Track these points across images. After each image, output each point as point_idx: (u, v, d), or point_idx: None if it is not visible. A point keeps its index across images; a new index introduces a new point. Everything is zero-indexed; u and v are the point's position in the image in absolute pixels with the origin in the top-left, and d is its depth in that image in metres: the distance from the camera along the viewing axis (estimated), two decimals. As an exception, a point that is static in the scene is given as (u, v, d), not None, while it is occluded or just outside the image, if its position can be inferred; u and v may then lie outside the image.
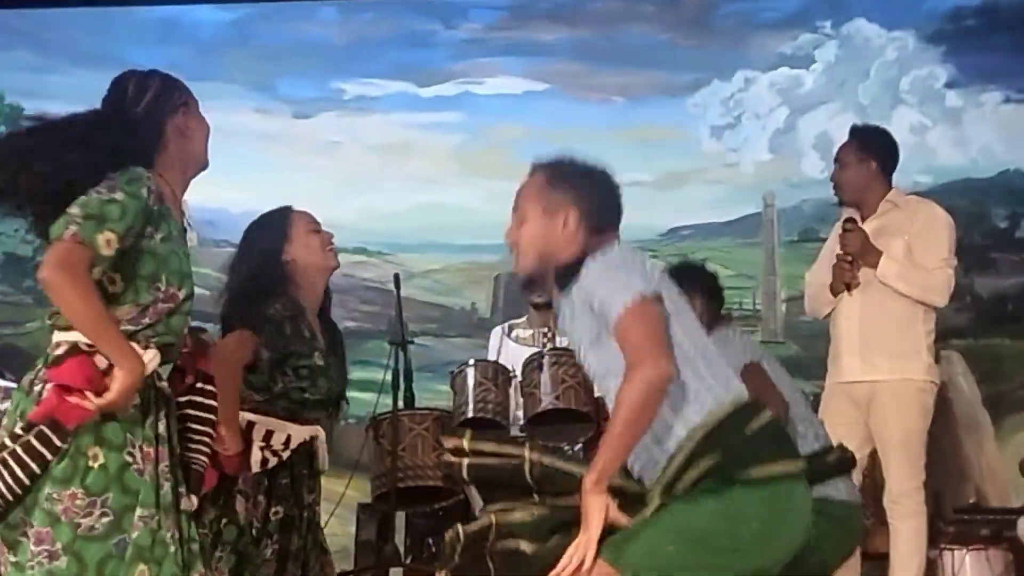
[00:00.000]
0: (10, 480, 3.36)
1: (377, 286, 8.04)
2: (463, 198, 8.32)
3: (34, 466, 3.37)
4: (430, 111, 8.54)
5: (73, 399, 3.38)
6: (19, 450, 3.38)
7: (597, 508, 3.46)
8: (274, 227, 4.96)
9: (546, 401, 6.09)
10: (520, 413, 6.52)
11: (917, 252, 5.72)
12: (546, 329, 6.66)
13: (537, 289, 4.03)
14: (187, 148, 3.78)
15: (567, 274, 3.70)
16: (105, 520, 3.41)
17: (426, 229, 8.29)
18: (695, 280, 4.99)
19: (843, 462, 4.92)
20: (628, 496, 3.56)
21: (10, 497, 3.38)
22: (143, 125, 3.67)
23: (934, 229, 5.79)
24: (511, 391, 6.56)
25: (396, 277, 6.88)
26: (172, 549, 3.49)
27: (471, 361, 6.69)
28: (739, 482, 3.46)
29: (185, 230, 3.77)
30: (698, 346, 3.63)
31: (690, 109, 8.36)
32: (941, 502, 7.25)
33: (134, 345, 3.49)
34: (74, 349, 3.47)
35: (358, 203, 8.34)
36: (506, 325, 6.80)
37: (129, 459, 3.47)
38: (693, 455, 3.45)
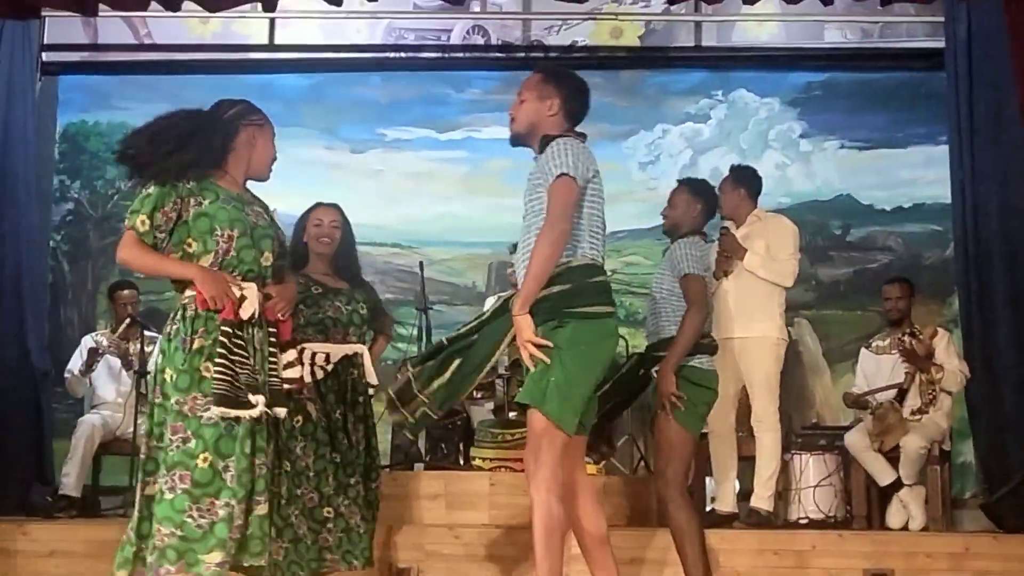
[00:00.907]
0: None
1: (407, 270, 8.04)
2: (467, 210, 8.33)
3: None
4: (445, 150, 8.50)
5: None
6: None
7: (526, 324, 3.56)
8: (300, 221, 4.93)
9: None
10: (505, 358, 6.57)
11: (772, 250, 5.83)
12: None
13: (520, 145, 3.99)
14: (252, 154, 3.78)
15: (543, 144, 3.80)
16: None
17: (441, 231, 8.29)
18: (704, 193, 4.99)
19: (712, 347, 4.91)
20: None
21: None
22: (225, 125, 3.72)
23: (783, 234, 5.92)
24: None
25: (420, 264, 6.96)
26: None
27: (499, 300, 6.74)
28: (582, 315, 3.60)
29: (240, 196, 3.70)
30: (596, 221, 3.77)
31: (624, 150, 8.37)
32: (792, 422, 7.29)
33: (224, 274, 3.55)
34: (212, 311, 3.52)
35: (395, 213, 8.32)
36: (496, 296, 6.82)
37: None
38: (559, 277, 3.62)
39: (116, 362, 6.83)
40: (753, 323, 5.72)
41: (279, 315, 3.71)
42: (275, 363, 3.67)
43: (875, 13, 7.60)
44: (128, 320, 6.81)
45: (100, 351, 6.78)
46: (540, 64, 4.02)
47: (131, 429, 6.36)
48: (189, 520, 3.38)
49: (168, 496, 3.39)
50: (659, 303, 4.77)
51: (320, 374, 4.69)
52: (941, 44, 7.24)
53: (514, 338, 3.67)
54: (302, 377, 4.53)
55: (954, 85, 6.95)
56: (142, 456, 3.56)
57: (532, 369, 3.59)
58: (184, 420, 3.43)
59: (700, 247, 4.82)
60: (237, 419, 3.44)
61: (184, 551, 3.36)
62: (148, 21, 8.19)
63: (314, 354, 4.67)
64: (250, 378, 3.48)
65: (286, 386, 3.71)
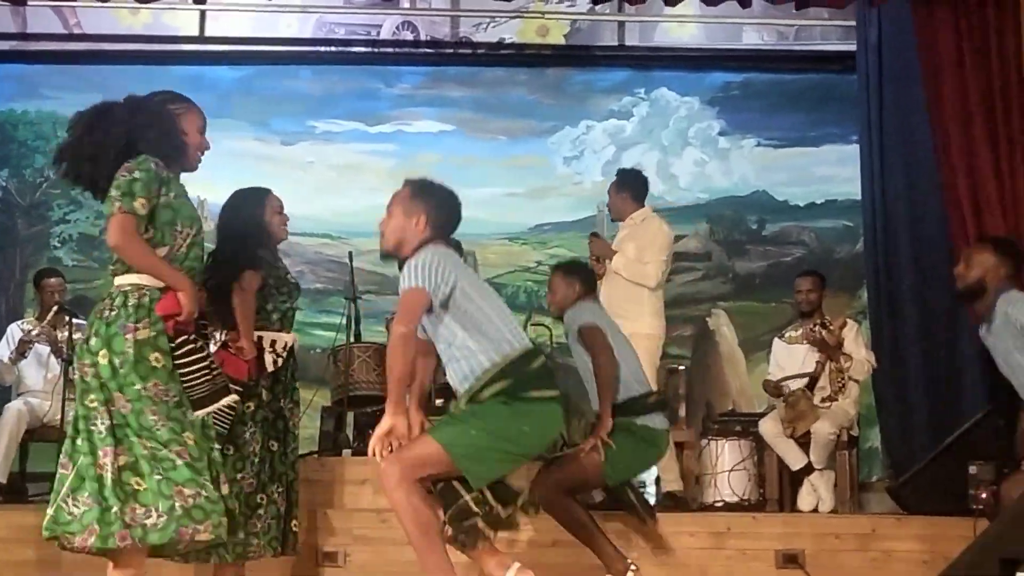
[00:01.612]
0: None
1: (337, 260, 7.98)
2: (396, 202, 8.33)
3: None
4: (375, 143, 8.46)
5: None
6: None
7: (387, 425, 3.59)
8: (258, 199, 4.81)
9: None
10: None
11: (641, 252, 5.89)
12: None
13: (391, 261, 3.94)
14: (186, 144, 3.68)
15: (402, 264, 3.77)
16: (174, 401, 3.42)
17: (371, 222, 7.96)
18: (579, 272, 5.16)
19: (660, 402, 5.08)
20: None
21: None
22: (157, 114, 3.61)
23: (653, 237, 5.97)
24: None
25: (350, 254, 6.89)
26: None
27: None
28: (520, 399, 3.60)
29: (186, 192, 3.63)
30: (498, 313, 3.75)
31: (550, 146, 8.39)
32: (710, 409, 7.38)
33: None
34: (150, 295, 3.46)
35: (325, 204, 8.27)
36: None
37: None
38: (493, 379, 3.59)
39: (44, 349, 6.71)
40: (624, 322, 5.76)
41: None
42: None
43: (791, 16, 7.70)
44: (56, 308, 6.69)
45: (30, 339, 6.65)
46: (408, 180, 3.95)
47: (59, 416, 6.23)
48: (207, 483, 3.39)
49: (180, 462, 3.36)
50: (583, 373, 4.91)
51: (280, 362, 4.67)
52: (853, 47, 7.34)
53: None
54: (263, 366, 4.57)
55: (865, 86, 7.05)
56: (103, 427, 3.41)
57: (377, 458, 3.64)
58: (157, 404, 3.39)
59: (589, 308, 5.03)
60: None
61: (210, 511, 3.37)
62: (78, 11, 8.05)
63: (273, 341, 4.67)
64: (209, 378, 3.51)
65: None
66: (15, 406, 6.54)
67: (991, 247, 4.92)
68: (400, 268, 3.82)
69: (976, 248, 4.95)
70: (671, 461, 5.87)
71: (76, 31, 8.20)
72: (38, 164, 8.21)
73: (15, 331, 6.79)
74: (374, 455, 3.64)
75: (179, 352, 3.45)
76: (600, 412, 4.75)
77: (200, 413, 3.43)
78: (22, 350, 6.62)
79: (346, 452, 6.23)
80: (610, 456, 4.72)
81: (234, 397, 3.54)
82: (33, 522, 5.35)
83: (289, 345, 4.74)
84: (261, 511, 4.56)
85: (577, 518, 4.71)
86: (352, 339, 6.55)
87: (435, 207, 3.80)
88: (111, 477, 3.38)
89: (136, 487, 3.38)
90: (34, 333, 6.69)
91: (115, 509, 3.36)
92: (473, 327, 3.65)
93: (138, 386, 3.38)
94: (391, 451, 3.62)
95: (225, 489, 3.51)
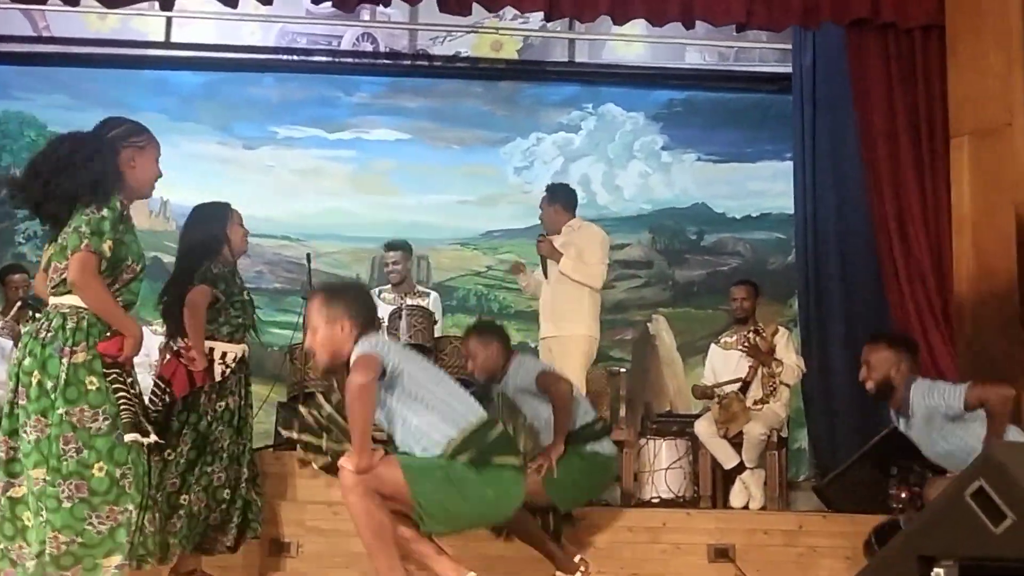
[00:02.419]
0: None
1: (295, 261, 7.92)
2: (354, 206, 8.25)
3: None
4: (334, 149, 8.40)
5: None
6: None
7: (364, 460, 3.48)
8: (219, 215, 4.79)
9: (404, 338, 6.10)
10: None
11: (584, 255, 5.90)
12: (403, 294, 6.67)
13: (332, 376, 3.91)
14: (132, 175, 3.57)
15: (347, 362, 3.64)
16: (105, 423, 3.34)
17: (328, 225, 8.18)
18: (494, 332, 5.04)
19: (605, 428, 5.08)
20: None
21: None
22: (104, 149, 3.51)
23: (594, 241, 6.02)
24: (381, 331, 6.57)
25: (308, 256, 6.81)
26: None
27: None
28: (486, 464, 3.54)
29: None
30: (450, 392, 3.68)
31: (501, 155, 8.40)
32: (649, 409, 7.39)
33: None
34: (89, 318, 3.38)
35: (284, 207, 8.20)
36: (377, 289, 6.78)
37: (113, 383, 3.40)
38: (455, 452, 3.54)
39: (7, 343, 6.58)
40: (564, 323, 5.82)
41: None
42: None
43: (731, 38, 7.75)
44: (19, 303, 6.59)
45: (-3, 334, 6.54)
46: (313, 290, 3.86)
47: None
48: (89, 528, 3.26)
49: (66, 505, 3.25)
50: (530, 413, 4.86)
51: (227, 372, 4.65)
52: (789, 69, 7.42)
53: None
54: (212, 375, 4.53)
55: (799, 106, 7.12)
56: (1, 457, 3.36)
57: None
58: (74, 431, 3.29)
59: (527, 363, 5.02)
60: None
61: (83, 556, 3.25)
62: (47, 14, 7.91)
63: (224, 353, 4.66)
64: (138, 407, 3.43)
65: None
66: (-23, 398, 6.42)
67: (885, 344, 4.75)
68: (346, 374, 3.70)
69: (871, 350, 4.73)
70: None
71: (45, 34, 8.08)
72: (5, 162, 8.05)
73: (-21, 325, 6.66)
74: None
75: (112, 383, 3.38)
76: (555, 437, 4.74)
77: (128, 438, 3.33)
78: (-13, 344, 6.51)
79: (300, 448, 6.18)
80: (561, 482, 4.68)
81: (151, 439, 3.43)
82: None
83: (238, 356, 4.72)
84: (224, 505, 4.59)
85: (524, 525, 4.65)
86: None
87: (351, 305, 3.68)
88: (3, 513, 3.33)
89: (26, 523, 3.32)
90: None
91: (2, 545, 3.32)
92: (424, 410, 3.57)
93: (62, 410, 3.29)
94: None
95: (152, 509, 3.44)
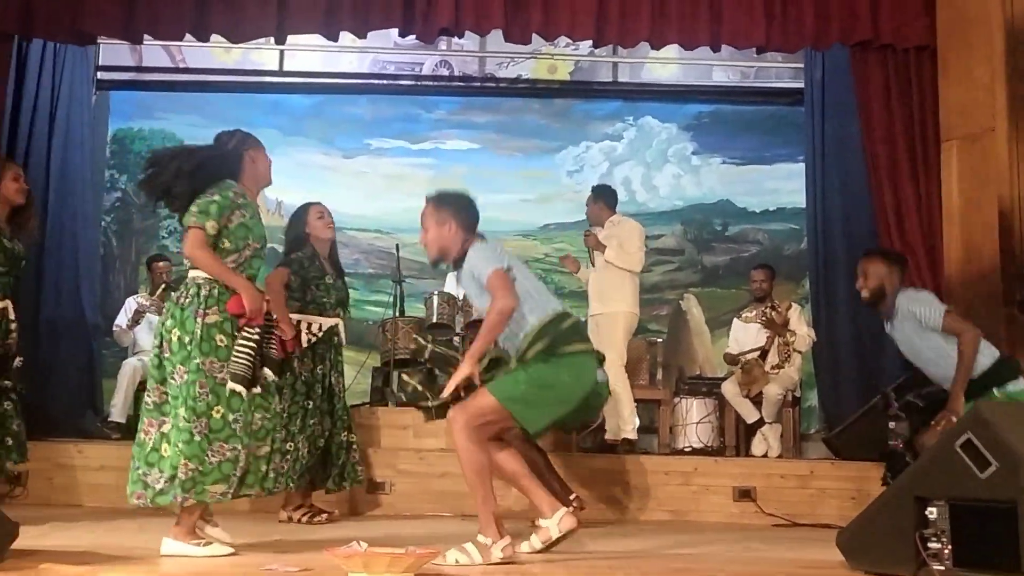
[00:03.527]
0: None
1: (385, 251, 7.98)
2: (433, 204, 8.31)
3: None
4: (416, 157, 8.43)
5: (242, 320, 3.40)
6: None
7: (467, 367, 3.41)
8: (300, 215, 4.88)
9: (475, 314, 6.13)
10: (461, 319, 6.58)
11: (624, 245, 5.82)
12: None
13: (443, 265, 3.71)
14: (256, 171, 3.65)
15: (459, 260, 3.62)
16: (228, 375, 3.38)
17: (412, 220, 7.98)
18: (453, 211, 4.83)
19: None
20: (497, 360, 3.57)
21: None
22: (230, 155, 3.60)
23: (632, 234, 5.88)
24: (457, 308, 6.61)
25: (396, 246, 6.91)
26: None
27: (435, 291, 6.74)
28: (557, 354, 3.46)
29: (258, 211, 3.62)
30: (536, 287, 3.60)
31: (556, 161, 8.38)
32: (681, 373, 7.34)
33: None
34: (219, 287, 3.42)
35: (376, 206, 8.25)
36: (455, 272, 6.78)
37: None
38: (535, 338, 3.47)
39: (154, 318, 6.73)
40: (609, 302, 5.74)
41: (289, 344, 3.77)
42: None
43: (751, 59, 7.66)
44: (163, 285, 6.72)
45: (143, 311, 6.68)
46: (428, 196, 3.82)
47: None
48: (206, 458, 3.33)
49: (196, 439, 3.32)
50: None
51: (314, 340, 4.71)
52: (801, 84, 7.29)
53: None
54: (300, 343, 4.56)
55: (810, 116, 7.00)
56: (154, 400, 3.44)
57: (446, 392, 3.48)
58: (205, 378, 3.36)
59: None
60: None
61: (197, 481, 3.32)
62: (183, 48, 8.03)
63: (309, 324, 4.72)
64: (256, 359, 3.44)
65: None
66: (131, 362, 6.58)
67: (880, 258, 4.67)
68: (452, 269, 3.65)
69: (867, 262, 4.65)
70: (631, 414, 5.83)
71: (181, 64, 8.20)
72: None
73: (131, 304, 6.82)
74: (449, 393, 3.47)
75: (239, 339, 3.41)
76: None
77: (229, 386, 3.36)
78: (136, 319, 6.66)
79: (391, 403, 6.25)
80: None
81: (257, 389, 3.44)
82: (144, 455, 5.40)
83: (324, 328, 4.74)
84: (290, 456, 4.58)
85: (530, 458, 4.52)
86: (397, 314, 6.58)
87: (458, 210, 3.64)
88: (150, 444, 3.40)
89: (163, 455, 3.38)
90: (146, 305, 6.72)
91: (141, 471, 3.39)
92: (522, 298, 3.49)
93: (197, 360, 3.35)
94: (459, 395, 3.47)
95: (261, 451, 3.44)
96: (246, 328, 3.41)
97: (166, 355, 3.41)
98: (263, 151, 3.70)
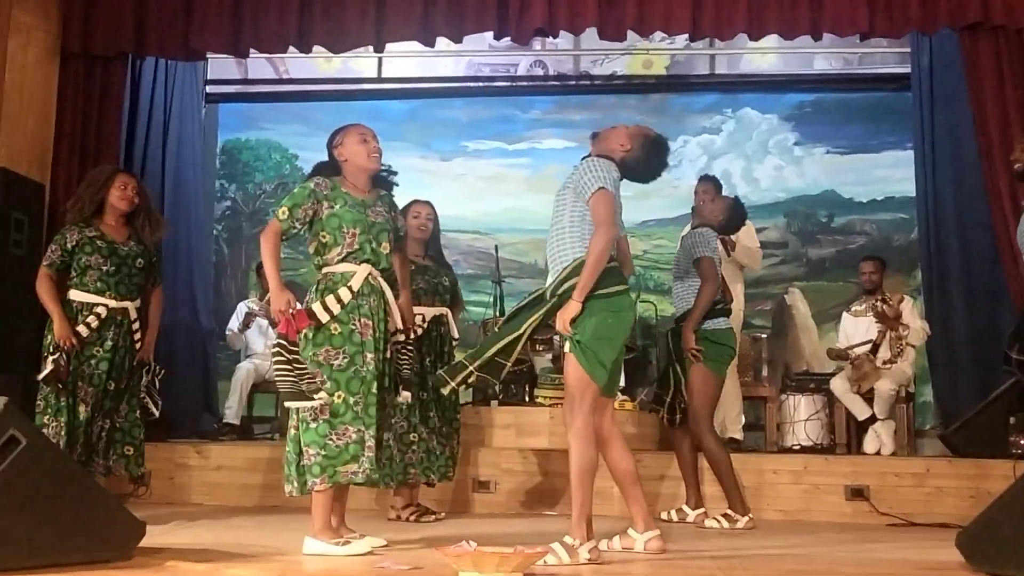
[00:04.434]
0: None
1: (484, 251, 8.03)
2: (530, 204, 8.25)
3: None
4: (513, 157, 8.46)
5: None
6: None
7: (574, 307, 3.40)
8: (401, 213, 4.92)
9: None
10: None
11: (743, 242, 5.71)
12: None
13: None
14: (349, 160, 3.72)
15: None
16: (344, 360, 3.49)
17: (510, 220, 8.25)
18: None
19: (726, 310, 4.81)
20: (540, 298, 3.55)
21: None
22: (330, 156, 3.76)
23: (749, 231, 5.81)
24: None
25: (495, 247, 6.96)
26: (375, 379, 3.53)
27: (535, 291, 6.75)
28: (593, 297, 3.42)
29: (363, 201, 3.68)
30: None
31: (654, 156, 8.29)
32: (788, 369, 7.21)
33: (350, 265, 3.57)
34: (331, 280, 3.59)
35: (474, 207, 8.32)
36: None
37: (353, 327, 3.52)
38: (571, 273, 3.48)
39: (264, 322, 6.94)
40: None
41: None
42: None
43: (855, 45, 7.41)
44: (272, 290, 6.91)
45: (254, 314, 6.89)
46: (647, 127, 3.80)
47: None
48: (329, 442, 3.43)
49: (313, 425, 3.44)
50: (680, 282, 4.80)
51: (418, 331, 4.70)
52: (908, 70, 7.05)
53: (542, 322, 3.49)
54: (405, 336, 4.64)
55: (918, 102, 6.77)
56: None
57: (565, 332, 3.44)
58: (321, 367, 3.48)
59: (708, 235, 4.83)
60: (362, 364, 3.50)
61: (326, 466, 3.42)
62: (286, 60, 8.25)
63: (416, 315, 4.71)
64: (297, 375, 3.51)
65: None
66: (245, 366, 6.79)
67: None
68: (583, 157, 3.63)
69: None
70: (739, 414, 5.76)
71: (284, 76, 8.43)
72: (257, 180, 8.48)
73: (242, 308, 7.04)
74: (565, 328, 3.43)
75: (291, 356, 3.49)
76: (684, 331, 4.65)
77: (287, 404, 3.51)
78: (247, 323, 6.87)
79: (494, 402, 6.29)
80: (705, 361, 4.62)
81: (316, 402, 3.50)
82: (257, 454, 5.59)
83: (428, 318, 4.77)
84: (415, 447, 4.67)
85: (722, 455, 4.67)
86: (497, 313, 6.61)
87: (644, 156, 3.63)
88: (292, 431, 3.53)
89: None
90: (257, 310, 6.93)
91: (291, 464, 3.53)
92: (586, 228, 3.49)
93: (310, 352, 3.47)
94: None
95: (376, 436, 3.52)
96: (280, 343, 3.48)
97: (296, 349, 3.53)
98: (350, 140, 3.73)
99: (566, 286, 3.45)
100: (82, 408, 4.36)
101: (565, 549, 3.31)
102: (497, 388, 6.37)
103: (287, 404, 3.52)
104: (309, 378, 3.45)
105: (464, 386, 3.59)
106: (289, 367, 3.46)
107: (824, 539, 4.26)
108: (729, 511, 4.63)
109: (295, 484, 3.51)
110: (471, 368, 3.48)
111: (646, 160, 3.64)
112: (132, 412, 4.55)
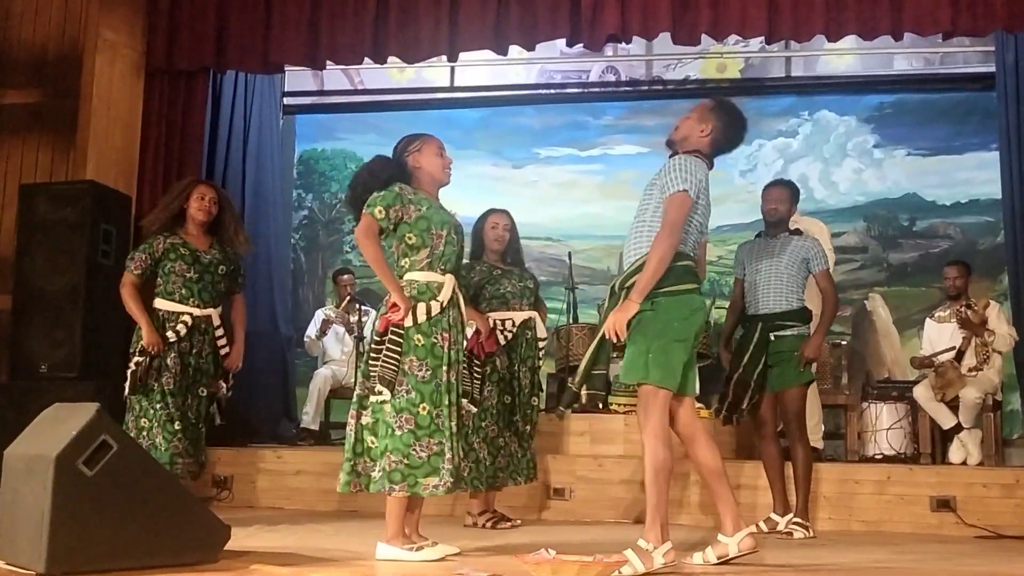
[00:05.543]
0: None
1: (557, 258, 8.04)
2: (603, 210, 8.25)
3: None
4: (585, 164, 8.44)
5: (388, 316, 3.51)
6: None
7: (632, 308, 3.34)
8: (480, 221, 5.00)
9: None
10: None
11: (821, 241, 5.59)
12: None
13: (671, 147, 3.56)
14: (423, 170, 3.72)
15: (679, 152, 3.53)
16: (427, 372, 3.51)
17: (582, 227, 8.25)
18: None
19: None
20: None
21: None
22: (396, 163, 3.71)
23: (823, 234, 5.66)
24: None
25: (569, 254, 6.92)
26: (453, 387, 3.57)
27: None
28: (658, 295, 3.35)
29: (443, 207, 3.72)
30: (691, 222, 3.45)
31: (728, 160, 7.91)
32: (869, 377, 7.05)
33: (435, 275, 3.57)
34: (417, 289, 3.57)
35: (546, 213, 8.31)
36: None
37: (435, 340, 3.54)
38: (637, 269, 3.40)
39: (341, 329, 7.05)
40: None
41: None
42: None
43: (936, 44, 7.23)
44: (348, 298, 7.01)
45: (330, 321, 6.99)
46: (715, 97, 3.71)
47: (353, 379, 6.52)
48: (413, 452, 3.45)
49: (397, 433, 3.46)
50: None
51: (508, 336, 4.76)
52: (992, 69, 6.85)
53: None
54: (497, 341, 4.64)
55: (1003, 102, 6.56)
56: (358, 393, 3.60)
57: (612, 338, 3.37)
58: (406, 376, 3.50)
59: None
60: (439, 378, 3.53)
61: (407, 475, 3.44)
62: (360, 71, 8.37)
63: (502, 321, 4.76)
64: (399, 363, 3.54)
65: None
66: (323, 372, 6.89)
67: None
68: (672, 155, 3.55)
69: None
70: (818, 422, 5.63)
71: (359, 87, 8.56)
72: (333, 189, 8.62)
73: (320, 315, 7.15)
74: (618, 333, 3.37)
75: (388, 341, 3.51)
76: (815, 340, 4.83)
77: (377, 389, 3.49)
78: (324, 330, 6.98)
79: (568, 410, 6.26)
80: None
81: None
82: (336, 459, 5.65)
83: (517, 322, 4.78)
84: (503, 450, 4.71)
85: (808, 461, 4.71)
86: (571, 320, 6.59)
87: (723, 126, 3.52)
88: (353, 436, 3.54)
89: (370, 445, 3.52)
90: (333, 317, 7.03)
91: (351, 461, 3.53)
92: (651, 220, 3.42)
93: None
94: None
95: (462, 446, 3.54)
96: (395, 331, 3.50)
97: (372, 354, 3.56)
98: (429, 151, 3.73)
99: (632, 280, 3.39)
100: (174, 411, 4.47)
101: (639, 555, 3.24)
102: (608, 399, 6.31)
103: (377, 387, 3.48)
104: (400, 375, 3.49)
105: (579, 406, 3.63)
106: (398, 357, 3.48)
107: (911, 550, 4.14)
108: (798, 518, 4.60)
109: (363, 480, 3.51)
110: (578, 392, 3.50)
111: (726, 128, 3.54)
112: (203, 417, 4.66)
